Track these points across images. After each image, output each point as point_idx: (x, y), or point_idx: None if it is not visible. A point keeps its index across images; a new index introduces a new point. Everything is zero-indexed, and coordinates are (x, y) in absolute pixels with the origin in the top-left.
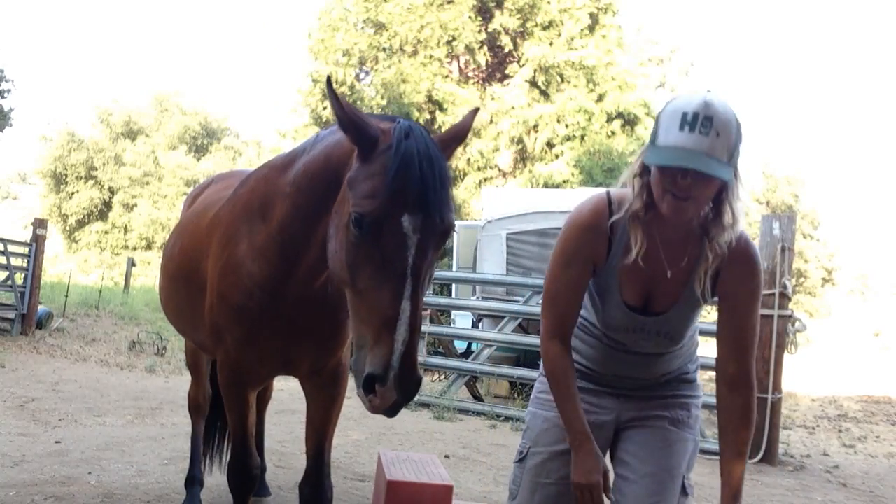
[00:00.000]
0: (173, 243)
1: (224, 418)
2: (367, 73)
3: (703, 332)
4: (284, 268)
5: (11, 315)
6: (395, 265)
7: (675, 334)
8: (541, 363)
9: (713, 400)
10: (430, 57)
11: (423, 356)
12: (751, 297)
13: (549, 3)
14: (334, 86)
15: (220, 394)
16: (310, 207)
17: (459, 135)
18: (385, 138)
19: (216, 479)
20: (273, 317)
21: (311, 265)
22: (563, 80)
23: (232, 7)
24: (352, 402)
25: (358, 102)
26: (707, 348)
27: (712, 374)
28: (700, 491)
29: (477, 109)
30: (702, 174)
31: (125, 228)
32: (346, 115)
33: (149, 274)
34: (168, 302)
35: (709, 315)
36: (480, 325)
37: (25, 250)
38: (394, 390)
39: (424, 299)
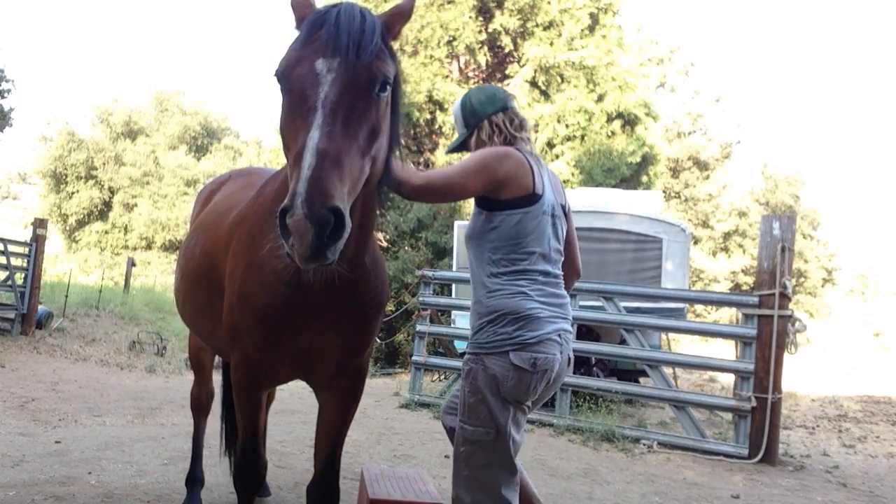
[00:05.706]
0: (194, 243)
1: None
2: None
3: (704, 333)
4: None
5: (11, 315)
6: (306, 103)
7: None
8: None
9: (713, 400)
10: (431, 57)
11: (423, 356)
12: None
13: (549, 3)
14: None
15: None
16: None
17: (404, 11)
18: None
19: (217, 478)
20: (299, 311)
21: None
22: (563, 80)
23: (232, 7)
24: None
25: None
26: (707, 349)
27: (713, 374)
28: (700, 491)
29: None
30: None
31: (125, 228)
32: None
33: (149, 274)
34: (185, 304)
35: (708, 315)
36: None
37: (25, 250)
38: (305, 219)
39: (359, 147)
